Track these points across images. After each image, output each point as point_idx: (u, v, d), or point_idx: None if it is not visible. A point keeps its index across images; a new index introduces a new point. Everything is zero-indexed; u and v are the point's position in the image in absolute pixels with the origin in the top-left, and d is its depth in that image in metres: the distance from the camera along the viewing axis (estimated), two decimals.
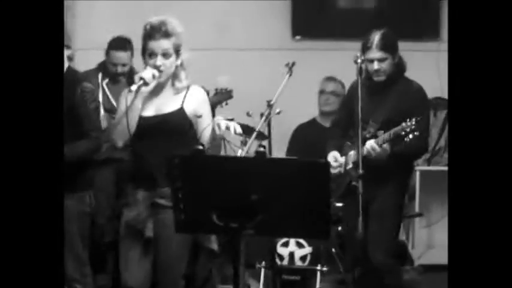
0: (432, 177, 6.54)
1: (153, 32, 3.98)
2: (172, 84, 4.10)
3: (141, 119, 4.01)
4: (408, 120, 4.29)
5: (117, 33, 5.94)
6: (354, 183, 4.21)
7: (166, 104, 4.09)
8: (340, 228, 5.66)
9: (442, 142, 6.41)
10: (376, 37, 4.64)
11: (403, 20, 6.98)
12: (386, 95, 4.69)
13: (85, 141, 4.39)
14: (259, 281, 5.49)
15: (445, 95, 6.63)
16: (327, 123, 6.38)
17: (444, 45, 6.84)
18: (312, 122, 6.57)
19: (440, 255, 6.64)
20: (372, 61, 4.63)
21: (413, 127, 4.26)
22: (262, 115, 4.24)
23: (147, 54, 4.02)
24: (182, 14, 6.56)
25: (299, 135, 6.53)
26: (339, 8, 7.21)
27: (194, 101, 4.13)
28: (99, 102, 4.60)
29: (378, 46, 4.62)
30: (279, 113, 4.57)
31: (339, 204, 5.56)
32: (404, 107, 4.58)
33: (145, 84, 3.92)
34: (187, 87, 4.12)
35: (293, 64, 4.59)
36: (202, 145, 3.28)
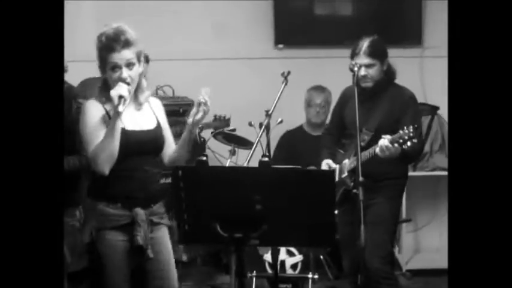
0: (418, 182, 6.57)
1: (113, 43, 3.74)
2: (135, 96, 3.93)
3: (125, 133, 3.81)
4: (405, 128, 4.27)
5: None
6: (355, 191, 4.19)
7: (142, 118, 3.95)
8: None
9: (427, 147, 6.45)
10: (364, 43, 4.65)
11: (383, 26, 7.01)
12: (377, 102, 4.69)
13: (75, 157, 4.35)
14: None
15: (428, 101, 6.69)
16: (313, 132, 6.41)
17: (428, 51, 6.92)
18: (299, 129, 6.58)
19: (427, 260, 6.70)
20: (359, 67, 4.62)
21: (411, 134, 4.25)
22: (261, 125, 4.23)
23: (109, 67, 3.78)
24: (166, 23, 6.71)
25: (286, 142, 6.53)
26: (320, 16, 7.19)
27: (160, 113, 4.06)
28: None
29: (365, 52, 4.62)
30: (280, 122, 4.58)
31: None
32: (396, 114, 4.59)
33: (125, 101, 3.70)
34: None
35: (288, 73, 4.58)
36: (206, 156, 3.25)
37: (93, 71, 5.68)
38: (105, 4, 6.86)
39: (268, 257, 5.60)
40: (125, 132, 3.80)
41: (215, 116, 5.95)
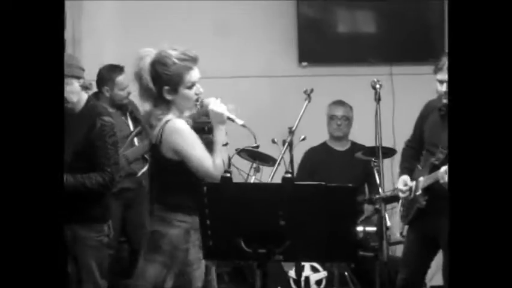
0: None
1: (187, 62, 3.87)
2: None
3: None
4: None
5: (123, 61, 5.99)
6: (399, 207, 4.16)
7: None
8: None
9: None
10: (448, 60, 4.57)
11: (406, 43, 7.07)
12: None
13: (98, 174, 4.41)
14: None
15: None
16: (337, 146, 6.46)
17: None
18: (323, 145, 6.63)
19: None
20: (441, 82, 4.48)
21: None
22: (284, 142, 4.29)
23: (185, 87, 3.90)
24: (190, 41, 6.78)
25: (310, 158, 6.58)
26: (344, 34, 7.27)
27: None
28: (116, 137, 4.60)
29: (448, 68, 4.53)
30: (304, 139, 4.62)
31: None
32: None
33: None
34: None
35: (312, 90, 4.64)
36: (230, 172, 3.31)
37: None
38: (125, 24, 6.97)
39: (292, 273, 5.63)
40: None
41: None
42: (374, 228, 5.16)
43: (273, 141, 4.68)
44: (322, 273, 5.67)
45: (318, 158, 6.52)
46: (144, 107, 4.10)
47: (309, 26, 7.17)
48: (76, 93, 4.45)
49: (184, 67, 3.87)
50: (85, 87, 4.52)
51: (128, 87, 5.81)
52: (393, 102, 7.00)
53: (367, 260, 5.53)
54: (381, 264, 4.60)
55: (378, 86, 4.57)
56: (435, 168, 4.46)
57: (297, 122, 4.42)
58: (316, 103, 6.51)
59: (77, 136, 4.41)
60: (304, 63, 7.13)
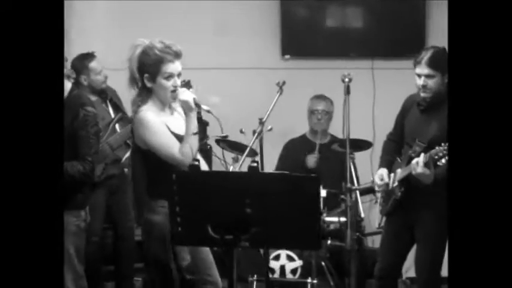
0: None
1: (166, 55, 4.11)
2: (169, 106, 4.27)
3: (176, 136, 4.16)
4: (443, 144, 4.30)
5: (111, 54, 6.08)
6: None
7: (177, 123, 4.25)
8: (329, 241, 5.81)
9: None
10: (427, 53, 4.58)
11: (392, 38, 7.15)
12: (434, 114, 4.63)
13: (79, 163, 4.49)
14: None
15: None
16: (316, 140, 6.56)
17: None
18: (303, 138, 6.72)
19: None
20: (419, 76, 4.59)
21: (444, 152, 4.27)
22: (254, 132, 4.38)
23: (163, 77, 4.12)
24: (176, 35, 6.86)
25: (289, 150, 6.68)
26: (327, 27, 7.34)
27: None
28: (99, 127, 4.70)
29: (426, 62, 4.54)
30: (270, 129, 4.71)
31: (330, 219, 5.73)
32: None
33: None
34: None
35: (283, 83, 4.73)
36: (198, 161, 3.41)
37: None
38: (113, 18, 7.07)
39: (269, 261, 5.71)
40: (173, 134, 4.15)
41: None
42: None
43: (241, 131, 4.78)
44: (298, 262, 5.73)
45: (298, 150, 6.59)
46: (131, 94, 4.32)
47: (292, 19, 7.24)
48: None
49: (164, 58, 4.10)
50: (66, 76, 4.58)
51: (103, 71, 5.93)
52: (374, 96, 7.14)
53: (344, 251, 5.60)
54: (345, 253, 4.68)
55: (346, 79, 4.66)
56: (412, 160, 4.53)
57: (267, 113, 4.50)
58: (298, 96, 6.65)
59: None
60: (287, 56, 7.22)
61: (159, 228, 4.16)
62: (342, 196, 4.52)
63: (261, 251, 5.40)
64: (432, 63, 4.55)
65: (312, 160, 6.33)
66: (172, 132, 4.16)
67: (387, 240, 4.96)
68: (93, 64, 5.93)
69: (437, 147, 4.33)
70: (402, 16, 7.20)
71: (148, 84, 4.17)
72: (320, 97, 6.59)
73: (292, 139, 6.70)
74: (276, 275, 5.68)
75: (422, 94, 4.63)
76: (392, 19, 7.20)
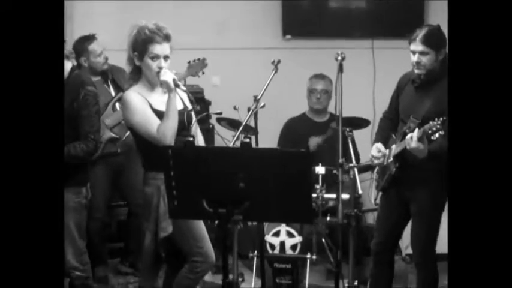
0: None
1: (155, 36, 4.26)
2: (161, 85, 4.35)
3: (159, 114, 4.27)
4: (436, 119, 4.36)
5: (115, 35, 6.14)
6: (334, 172, 4.35)
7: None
8: (328, 218, 5.89)
9: None
10: (422, 31, 4.67)
11: (392, 19, 7.20)
12: (429, 91, 4.71)
13: (82, 142, 4.60)
14: (252, 270, 5.73)
15: None
16: (316, 118, 6.64)
17: None
18: (302, 116, 6.79)
19: None
20: (414, 53, 4.68)
21: (438, 126, 4.34)
22: (249, 109, 4.47)
23: (149, 57, 4.27)
24: (175, 15, 6.95)
25: (289, 128, 6.76)
26: (330, 8, 7.41)
27: (184, 97, 4.44)
28: (99, 106, 4.80)
29: (420, 40, 4.63)
30: (263, 106, 4.78)
31: (328, 195, 5.81)
32: (445, 105, 4.32)
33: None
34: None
35: (278, 61, 4.79)
36: (192, 136, 3.52)
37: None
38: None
39: (269, 237, 5.80)
40: (157, 112, 4.27)
41: (189, 62, 6.13)
42: (347, 196, 5.31)
43: (235, 108, 4.88)
44: (298, 238, 5.80)
45: (298, 128, 6.68)
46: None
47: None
48: None
49: (152, 38, 4.26)
50: (66, 56, 4.68)
51: (103, 53, 6.00)
52: (374, 76, 7.21)
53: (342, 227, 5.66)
54: (338, 228, 4.75)
55: (339, 57, 4.75)
56: (406, 136, 4.60)
57: (262, 91, 4.58)
58: (299, 76, 6.73)
59: None
60: (288, 36, 7.29)
61: (147, 199, 4.32)
62: (334, 171, 4.58)
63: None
64: (426, 41, 4.63)
65: (314, 142, 6.42)
66: (157, 111, 4.28)
67: (382, 215, 5.04)
68: (92, 46, 6.00)
69: (431, 122, 4.38)
70: None
71: (137, 63, 4.34)
72: (319, 76, 6.65)
73: (292, 118, 6.78)
74: (276, 251, 5.76)
75: (416, 71, 4.71)
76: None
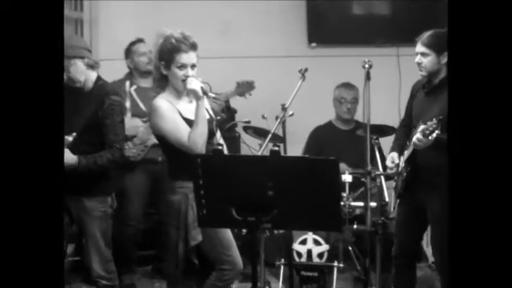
0: None
1: (182, 45, 4.26)
2: (187, 93, 4.40)
3: (188, 122, 4.29)
4: (434, 119, 4.41)
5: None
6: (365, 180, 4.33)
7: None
8: (355, 226, 5.89)
9: None
10: (426, 33, 4.76)
11: (417, 25, 7.17)
12: (438, 96, 4.74)
13: (108, 151, 4.64)
14: (279, 278, 5.73)
15: None
16: (342, 126, 6.64)
17: None
18: (329, 124, 6.78)
19: None
20: (416, 55, 4.78)
21: (434, 126, 4.38)
22: (277, 118, 4.48)
23: (176, 66, 4.29)
24: (202, 23, 6.98)
25: (316, 137, 6.74)
26: (353, 15, 7.42)
27: (208, 107, 4.47)
28: (124, 115, 4.84)
29: (422, 41, 4.74)
30: (291, 115, 4.80)
31: (355, 203, 5.81)
32: None
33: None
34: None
35: (306, 70, 4.81)
36: (221, 145, 3.53)
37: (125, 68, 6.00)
38: (141, 5, 7.19)
39: (296, 246, 5.81)
40: (186, 120, 4.29)
41: (237, 82, 6.18)
42: (374, 204, 5.31)
43: (263, 117, 4.89)
44: (325, 247, 5.81)
45: (324, 137, 6.67)
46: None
47: (319, 7, 7.33)
48: (81, 73, 4.66)
49: (178, 48, 4.27)
50: (91, 66, 4.72)
51: (146, 54, 5.99)
52: (400, 83, 7.20)
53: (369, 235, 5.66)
54: (366, 236, 4.74)
55: (366, 65, 4.77)
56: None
57: (290, 99, 4.59)
58: (324, 83, 6.73)
59: (86, 113, 4.63)
60: (313, 44, 7.30)
61: (175, 207, 4.33)
62: (363, 179, 4.59)
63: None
64: (427, 42, 4.73)
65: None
66: (187, 119, 4.30)
67: (400, 221, 5.04)
68: (136, 47, 6.09)
69: (428, 122, 4.44)
70: (428, 2, 7.23)
71: (164, 72, 4.35)
72: (347, 85, 6.64)
73: (319, 126, 6.77)
74: (303, 259, 5.77)
75: (419, 73, 4.82)
76: (418, 6, 7.23)
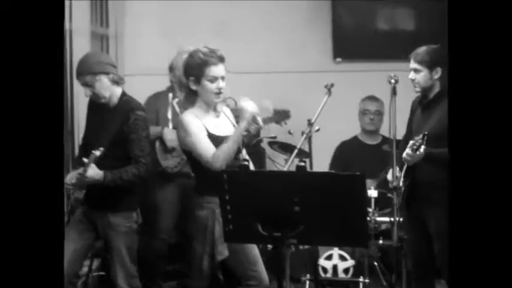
0: None
1: (211, 58, 4.29)
2: (215, 105, 4.43)
3: (218, 137, 4.32)
4: (421, 134, 4.50)
5: (165, 59, 6.22)
6: (389, 195, 4.39)
7: (223, 125, 4.44)
8: (381, 241, 5.87)
9: None
10: (420, 50, 4.89)
11: (441, 40, 7.15)
12: (433, 111, 4.84)
13: (133, 167, 4.65)
14: None
15: None
16: (368, 140, 6.63)
17: None
18: (354, 139, 6.77)
19: None
20: (410, 71, 4.89)
21: (420, 141, 4.47)
22: (303, 133, 4.48)
23: (207, 79, 4.31)
24: (227, 38, 7.01)
25: (341, 152, 6.74)
26: (378, 30, 7.41)
27: (233, 120, 4.54)
28: (149, 130, 4.86)
29: (415, 58, 4.87)
30: (318, 130, 4.80)
31: (381, 219, 5.79)
32: (445, 123, 4.55)
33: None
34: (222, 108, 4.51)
35: (332, 85, 4.82)
36: (247, 161, 3.54)
37: (152, 83, 6.03)
38: (167, 22, 7.23)
39: (321, 261, 5.80)
40: (212, 137, 4.31)
41: (274, 109, 6.21)
42: (401, 219, 5.29)
43: (289, 133, 4.88)
44: (350, 262, 5.80)
45: (350, 152, 6.66)
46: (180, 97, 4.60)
47: (344, 22, 7.34)
48: (106, 89, 4.68)
49: (207, 61, 4.29)
50: (116, 82, 4.74)
51: None
52: None
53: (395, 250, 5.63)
54: (392, 251, 4.72)
55: (392, 80, 4.78)
56: None
57: (316, 115, 4.59)
58: (350, 98, 6.72)
59: (112, 129, 4.65)
60: (339, 59, 7.31)
61: (202, 222, 4.34)
62: (389, 195, 4.57)
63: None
64: (419, 59, 4.87)
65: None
66: (213, 135, 4.32)
67: (408, 236, 5.07)
68: (177, 60, 6.09)
69: (415, 138, 4.54)
70: None
71: (193, 87, 4.37)
72: (371, 98, 6.65)
73: (344, 141, 6.76)
74: (329, 275, 5.76)
75: (414, 89, 4.93)
76: (443, 21, 7.19)
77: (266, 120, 6.16)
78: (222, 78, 4.33)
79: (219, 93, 4.33)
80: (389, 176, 5.02)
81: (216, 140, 4.30)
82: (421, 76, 4.85)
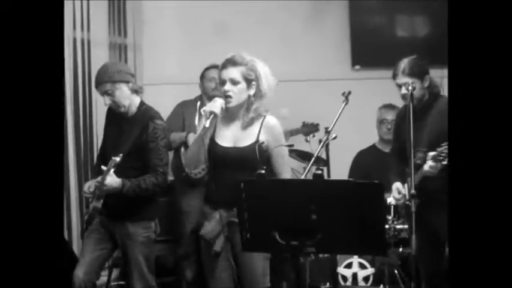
0: None
1: (225, 62, 4.31)
2: (242, 115, 4.36)
3: (219, 147, 4.32)
4: (442, 144, 4.47)
5: (183, 68, 6.27)
6: (407, 202, 4.37)
7: (240, 136, 4.36)
8: (401, 249, 5.84)
9: None
10: (402, 64, 4.89)
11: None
12: (426, 119, 4.86)
13: (152, 175, 4.66)
14: None
15: None
16: (386, 149, 6.61)
17: None
18: (372, 148, 6.75)
19: None
20: (400, 86, 4.88)
21: (445, 152, 4.44)
22: (320, 141, 4.45)
23: (220, 84, 4.36)
24: (244, 45, 7.01)
25: (360, 161, 6.72)
26: (397, 37, 7.41)
27: (269, 134, 4.39)
28: (168, 140, 4.87)
29: (404, 72, 4.85)
30: (335, 138, 4.76)
31: (400, 226, 5.76)
32: (443, 127, 4.22)
33: (215, 116, 4.25)
34: (262, 120, 4.40)
35: (349, 93, 4.77)
36: (264, 169, 3.53)
37: (170, 93, 6.04)
38: (185, 32, 7.24)
39: (341, 269, 5.78)
40: (214, 146, 4.34)
41: (303, 122, 6.21)
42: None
43: (306, 140, 4.87)
44: (370, 270, 5.79)
45: (368, 160, 6.63)
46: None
47: (362, 29, 7.35)
48: (126, 97, 4.70)
49: (222, 66, 4.36)
50: (135, 91, 4.76)
51: (215, 79, 6.00)
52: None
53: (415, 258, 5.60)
54: (411, 259, 4.69)
55: (410, 87, 4.75)
56: (420, 167, 4.71)
57: (333, 123, 4.56)
58: (369, 106, 6.70)
59: (130, 138, 4.67)
60: (357, 67, 7.30)
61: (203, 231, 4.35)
62: (407, 202, 4.54)
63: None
64: (409, 72, 4.85)
65: None
66: (216, 144, 4.36)
67: (419, 244, 4.97)
68: (207, 72, 6.24)
69: (437, 149, 4.51)
70: None
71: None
72: (389, 106, 6.62)
73: (362, 150, 6.75)
74: (349, 283, 5.74)
75: (404, 102, 4.92)
76: None
77: (293, 132, 6.19)
78: (232, 82, 4.30)
79: (226, 96, 4.30)
80: (394, 194, 5.05)
81: (218, 149, 4.33)
82: (416, 88, 4.82)
